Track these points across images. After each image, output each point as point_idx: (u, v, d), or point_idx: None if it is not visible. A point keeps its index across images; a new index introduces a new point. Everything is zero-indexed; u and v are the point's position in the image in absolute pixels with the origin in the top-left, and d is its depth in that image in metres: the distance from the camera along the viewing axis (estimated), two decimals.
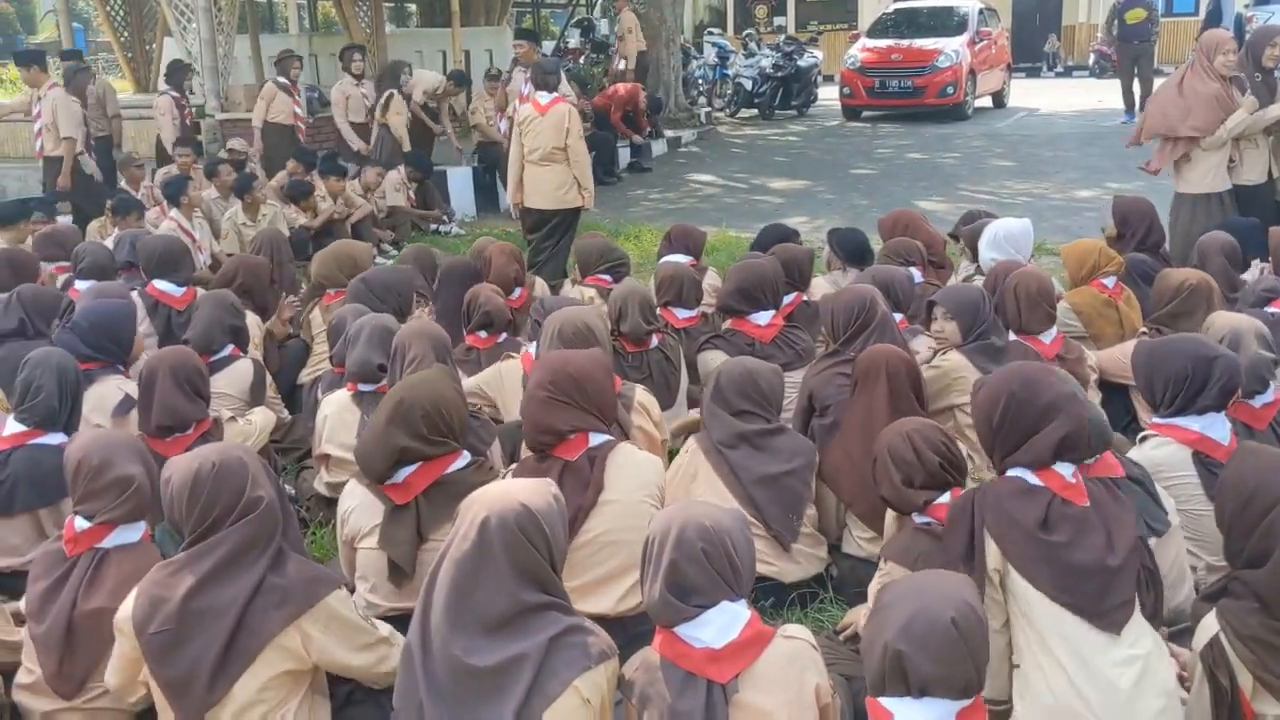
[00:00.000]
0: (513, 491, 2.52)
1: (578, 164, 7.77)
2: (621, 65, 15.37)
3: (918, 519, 3.21)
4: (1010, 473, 2.93)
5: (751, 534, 2.55)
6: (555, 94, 7.80)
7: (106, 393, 4.41)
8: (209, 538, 2.70)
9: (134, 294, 5.57)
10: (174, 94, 11.16)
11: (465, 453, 3.42)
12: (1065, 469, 2.88)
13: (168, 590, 2.66)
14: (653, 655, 2.49)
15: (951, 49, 17.75)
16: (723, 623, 2.43)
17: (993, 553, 2.82)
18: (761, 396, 3.81)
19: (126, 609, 2.72)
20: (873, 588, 3.20)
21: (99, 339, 4.49)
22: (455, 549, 2.44)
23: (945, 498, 3.16)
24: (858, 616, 3.28)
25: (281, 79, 11.41)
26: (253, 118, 11.33)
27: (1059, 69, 27.48)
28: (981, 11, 19.40)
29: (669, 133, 16.30)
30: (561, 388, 3.45)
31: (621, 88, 14.53)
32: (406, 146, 11.35)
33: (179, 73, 11.50)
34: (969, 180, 12.51)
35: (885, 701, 2.27)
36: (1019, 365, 3.15)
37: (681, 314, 5.49)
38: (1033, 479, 2.88)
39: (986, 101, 19.55)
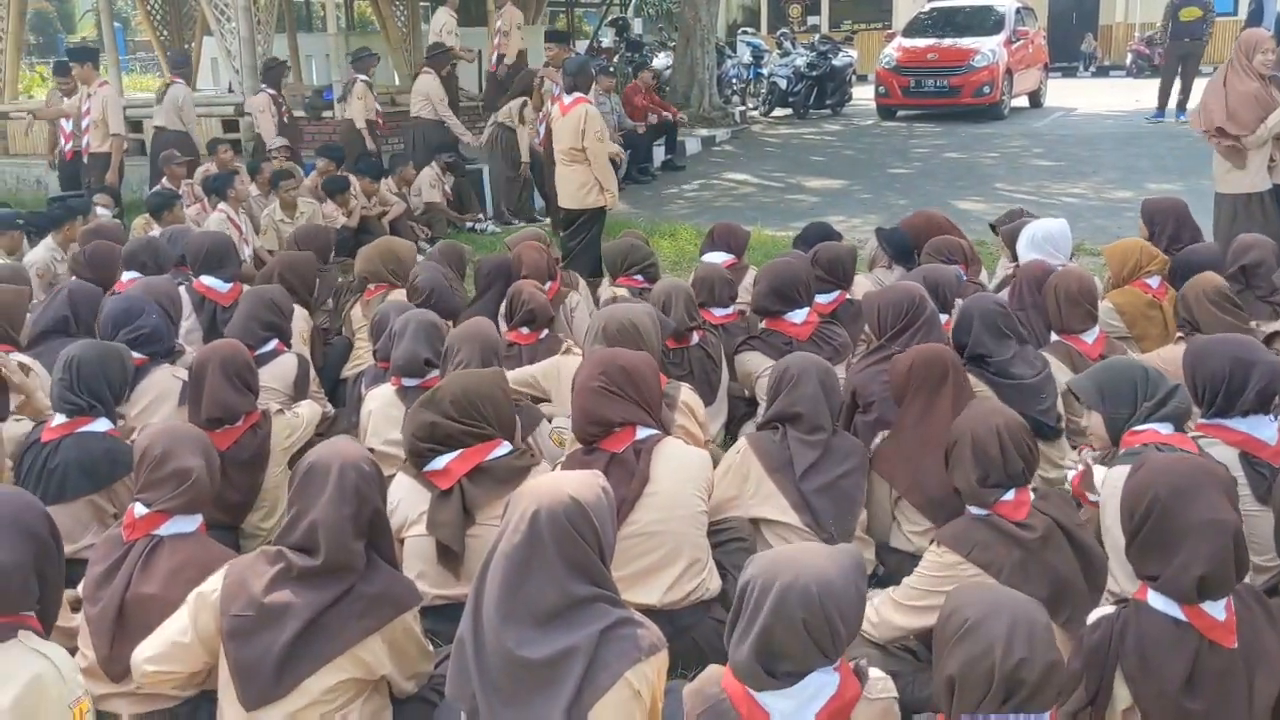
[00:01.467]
0: (562, 484, 2.53)
1: (596, 164, 7.85)
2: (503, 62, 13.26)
3: (975, 510, 3.17)
4: (1153, 597, 2.59)
5: (862, 585, 2.35)
6: (578, 94, 7.89)
7: (162, 382, 4.51)
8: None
9: (181, 289, 5.65)
10: (270, 91, 11.23)
11: (506, 442, 3.48)
12: (1215, 608, 2.54)
13: (257, 578, 2.72)
14: (726, 705, 2.33)
15: (988, 48, 17.62)
16: (808, 695, 2.28)
17: (1125, 698, 2.58)
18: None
19: (216, 583, 2.77)
20: (926, 570, 3.16)
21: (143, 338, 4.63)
22: (506, 542, 2.45)
23: (1011, 495, 3.12)
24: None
25: (364, 77, 11.52)
26: (354, 118, 11.40)
27: (1095, 69, 27.28)
28: (1018, 11, 19.23)
29: (703, 131, 16.31)
30: (613, 379, 3.48)
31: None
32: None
33: (275, 69, 11.53)
34: (1007, 180, 12.44)
35: None
36: (1177, 463, 2.71)
37: (718, 312, 5.49)
38: (1178, 613, 2.55)
39: (1023, 101, 19.41)
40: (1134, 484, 2.66)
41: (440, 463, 3.40)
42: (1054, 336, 4.70)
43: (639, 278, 6.02)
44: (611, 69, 14.00)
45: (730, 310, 5.54)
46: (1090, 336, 4.61)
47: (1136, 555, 2.63)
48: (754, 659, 2.25)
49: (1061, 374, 4.45)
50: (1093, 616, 2.70)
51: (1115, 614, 2.63)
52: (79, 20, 45.75)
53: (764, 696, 2.29)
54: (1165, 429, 3.42)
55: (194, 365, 4.11)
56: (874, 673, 2.44)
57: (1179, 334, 4.86)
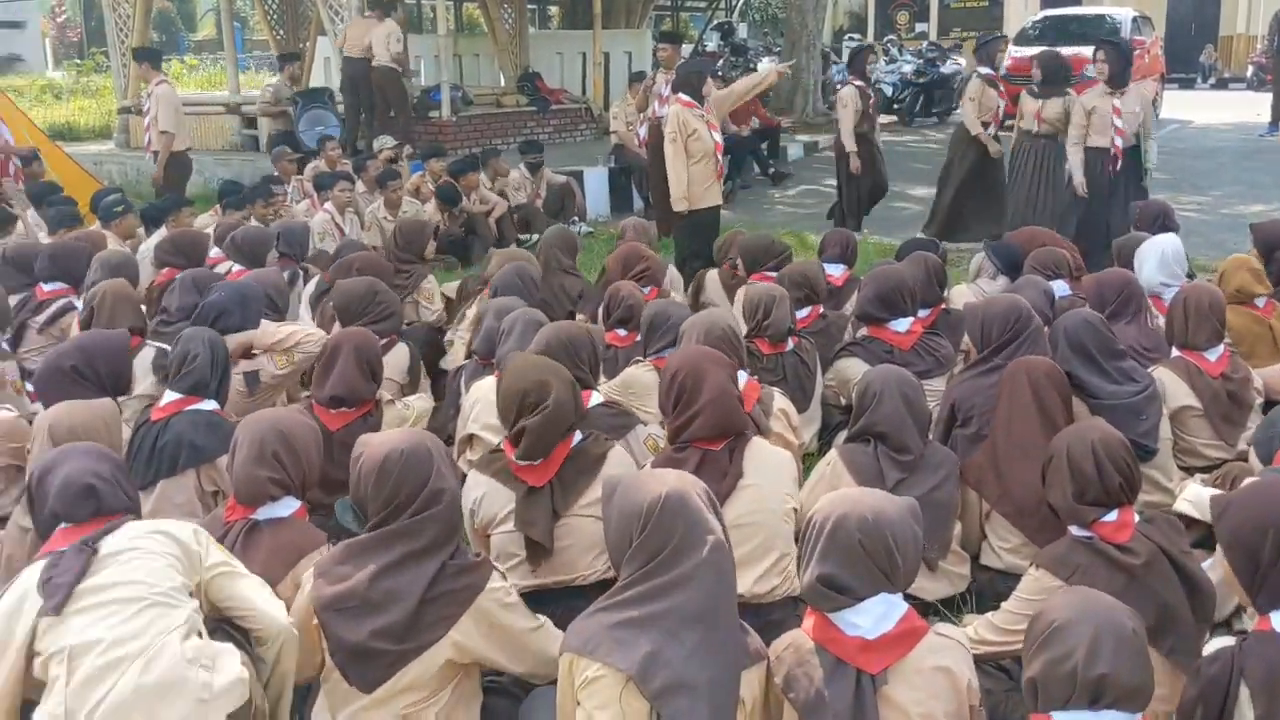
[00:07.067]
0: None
1: (667, 164, 7.77)
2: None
3: (1077, 531, 3.08)
4: (1276, 619, 2.50)
5: (918, 529, 2.49)
6: (679, 95, 7.88)
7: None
8: (391, 523, 2.74)
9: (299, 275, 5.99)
10: (858, 83, 10.19)
11: (578, 431, 3.48)
12: None
13: (351, 571, 2.71)
14: (803, 638, 2.49)
15: None
16: (879, 612, 2.42)
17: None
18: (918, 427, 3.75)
19: (304, 592, 2.79)
20: (1023, 592, 3.07)
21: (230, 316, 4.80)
22: (713, 552, 2.44)
23: (1113, 515, 3.03)
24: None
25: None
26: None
27: (1214, 81, 26.45)
28: (1135, 20, 18.76)
29: (805, 137, 16.20)
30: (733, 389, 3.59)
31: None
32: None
33: (860, 58, 10.67)
34: None
35: (1062, 716, 2.21)
36: None
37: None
38: None
39: None
40: (1249, 519, 2.54)
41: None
42: (1174, 352, 4.54)
43: (774, 275, 5.91)
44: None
45: (805, 312, 5.49)
46: (1214, 354, 4.41)
47: (1267, 589, 2.50)
48: (817, 580, 2.41)
49: (1178, 390, 4.32)
50: (1209, 649, 2.61)
51: (1235, 645, 2.54)
52: (200, 20, 47.23)
53: (836, 616, 2.43)
54: None
55: (328, 346, 4.29)
56: (945, 624, 2.58)
57: None
